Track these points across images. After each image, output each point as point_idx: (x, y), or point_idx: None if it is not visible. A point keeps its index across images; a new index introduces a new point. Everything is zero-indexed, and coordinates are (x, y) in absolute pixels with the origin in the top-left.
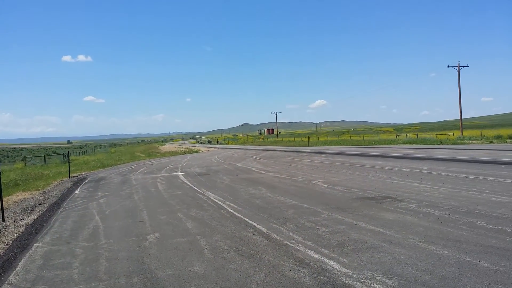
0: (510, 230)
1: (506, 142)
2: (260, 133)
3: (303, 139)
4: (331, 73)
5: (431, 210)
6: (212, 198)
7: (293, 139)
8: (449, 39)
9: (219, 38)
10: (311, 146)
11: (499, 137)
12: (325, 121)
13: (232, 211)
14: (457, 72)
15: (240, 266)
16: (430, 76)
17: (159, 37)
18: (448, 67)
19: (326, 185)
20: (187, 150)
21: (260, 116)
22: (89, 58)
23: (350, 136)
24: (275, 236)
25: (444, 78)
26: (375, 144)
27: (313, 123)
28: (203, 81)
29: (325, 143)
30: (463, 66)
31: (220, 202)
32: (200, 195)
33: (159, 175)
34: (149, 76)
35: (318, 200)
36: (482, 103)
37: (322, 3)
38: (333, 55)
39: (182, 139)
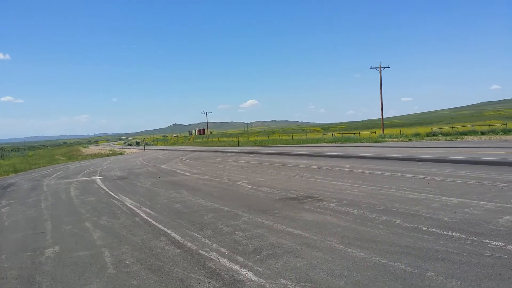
0: (426, 228)
1: (424, 139)
2: (191, 134)
3: (234, 139)
4: (262, 73)
5: (350, 209)
6: (127, 204)
7: (223, 139)
8: (374, 41)
9: (145, 37)
10: (241, 146)
11: (417, 135)
12: (256, 121)
13: (147, 217)
14: (379, 73)
15: (145, 281)
16: (355, 77)
17: (81, 36)
18: (371, 68)
19: (250, 186)
20: (111, 152)
21: (191, 117)
22: (7, 56)
23: (279, 136)
24: (189, 244)
25: (367, 79)
26: (303, 143)
27: (245, 123)
28: (131, 81)
29: (255, 143)
30: (385, 67)
31: (135, 208)
32: (115, 201)
33: (75, 179)
34: (71, 76)
35: (240, 202)
36: (402, 103)
37: (250, 5)
38: (264, 55)
39: (108, 140)
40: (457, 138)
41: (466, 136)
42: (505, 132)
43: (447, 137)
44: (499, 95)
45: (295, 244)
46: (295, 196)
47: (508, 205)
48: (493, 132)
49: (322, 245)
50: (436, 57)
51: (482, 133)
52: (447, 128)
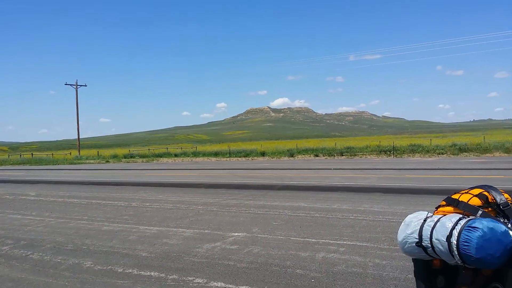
0: (121, 270)
1: (121, 161)
2: None
3: None
4: None
5: (30, 252)
6: None
7: None
8: (71, 56)
9: None
10: None
11: (115, 156)
12: None
13: None
14: (75, 91)
15: None
16: (49, 94)
17: None
18: (66, 84)
19: None
20: None
21: None
22: None
23: None
24: None
25: (63, 97)
26: None
27: None
28: None
29: None
30: (81, 85)
31: None
32: None
33: None
34: None
35: None
36: (100, 124)
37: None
38: None
39: None
40: (153, 160)
41: (161, 158)
42: (195, 154)
43: (144, 159)
44: (189, 121)
45: None
46: None
47: (206, 231)
48: (185, 154)
49: None
50: (146, 84)
51: (176, 155)
52: (144, 150)
